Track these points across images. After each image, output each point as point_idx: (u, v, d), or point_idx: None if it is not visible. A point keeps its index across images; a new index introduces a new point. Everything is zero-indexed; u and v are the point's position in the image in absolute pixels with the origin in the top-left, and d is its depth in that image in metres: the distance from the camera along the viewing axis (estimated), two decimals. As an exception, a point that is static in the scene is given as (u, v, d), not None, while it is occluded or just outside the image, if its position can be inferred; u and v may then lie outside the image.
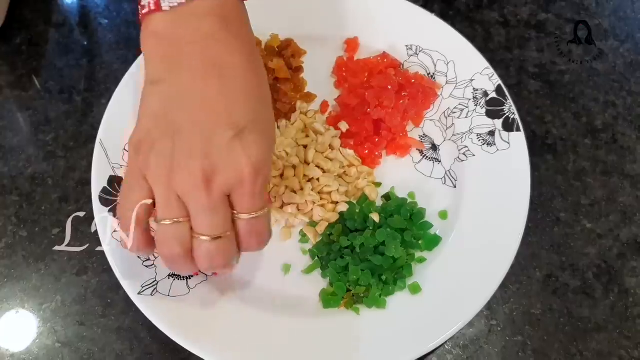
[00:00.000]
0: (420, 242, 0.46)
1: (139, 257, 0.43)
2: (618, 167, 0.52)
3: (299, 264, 0.46)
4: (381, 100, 0.49)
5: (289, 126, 0.50)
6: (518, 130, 0.48)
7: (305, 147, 0.49)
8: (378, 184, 0.49)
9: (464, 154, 0.49)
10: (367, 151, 0.49)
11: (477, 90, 0.50)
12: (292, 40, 0.52)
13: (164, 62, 0.35)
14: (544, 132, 0.53)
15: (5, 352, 0.44)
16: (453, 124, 0.50)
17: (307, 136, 0.49)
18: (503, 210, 0.46)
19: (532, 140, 0.52)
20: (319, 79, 0.52)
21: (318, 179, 0.47)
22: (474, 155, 0.48)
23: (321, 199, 0.47)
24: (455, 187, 0.48)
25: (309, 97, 0.52)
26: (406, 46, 0.52)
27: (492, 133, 0.49)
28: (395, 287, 0.44)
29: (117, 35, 0.56)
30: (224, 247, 0.35)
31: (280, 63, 0.50)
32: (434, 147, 0.50)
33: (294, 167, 0.47)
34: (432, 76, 0.51)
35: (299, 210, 0.47)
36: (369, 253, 0.44)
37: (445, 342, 0.43)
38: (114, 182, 0.45)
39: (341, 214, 0.47)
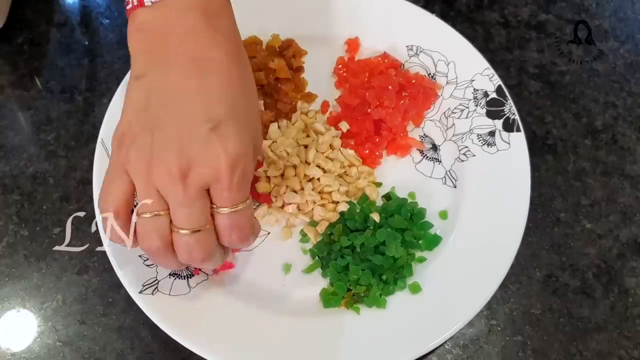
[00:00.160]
0: (420, 241, 0.46)
1: (140, 255, 0.43)
2: (618, 167, 0.52)
3: (299, 263, 0.46)
4: (382, 100, 0.49)
5: (290, 126, 0.50)
6: (518, 130, 0.48)
7: (305, 147, 0.49)
8: (378, 184, 0.49)
9: (464, 154, 0.49)
10: (367, 151, 0.49)
11: (477, 90, 0.50)
12: (293, 41, 0.52)
13: (147, 57, 0.35)
14: (544, 132, 0.53)
15: (6, 350, 0.44)
16: (453, 124, 0.50)
17: (308, 136, 0.50)
18: (503, 210, 0.46)
19: (532, 140, 0.52)
20: (319, 79, 0.53)
21: (319, 179, 0.47)
22: (474, 156, 0.49)
23: (322, 198, 0.47)
24: (455, 187, 0.48)
25: (310, 97, 0.52)
26: (407, 46, 0.52)
27: (492, 133, 0.49)
28: (395, 287, 0.44)
29: (118, 35, 0.56)
30: (204, 240, 0.35)
31: (281, 63, 0.50)
32: (435, 147, 0.50)
33: (295, 166, 0.48)
34: (432, 76, 0.52)
35: (299, 209, 0.47)
36: (370, 253, 0.45)
37: (445, 341, 0.43)
38: (115, 181, 0.45)
39: (342, 213, 0.47)
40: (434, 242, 0.46)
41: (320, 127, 0.49)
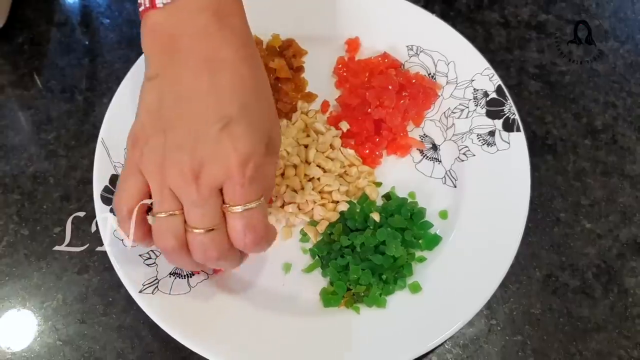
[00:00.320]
0: (420, 241, 0.46)
1: (140, 255, 0.43)
2: (618, 167, 0.52)
3: (299, 263, 0.46)
4: (382, 100, 0.50)
5: (290, 126, 0.50)
6: (518, 130, 0.48)
7: (306, 146, 0.49)
8: (378, 184, 0.49)
9: (464, 154, 0.49)
10: (367, 151, 0.49)
11: (477, 90, 0.50)
12: (293, 40, 0.52)
13: (160, 59, 0.36)
14: (544, 132, 0.53)
15: (6, 350, 0.44)
16: (453, 124, 0.50)
17: (308, 136, 0.50)
18: (503, 210, 0.46)
19: (532, 140, 0.52)
20: (319, 78, 0.53)
21: (319, 179, 0.47)
22: (474, 155, 0.49)
23: (322, 198, 0.47)
24: (455, 187, 0.48)
25: (310, 97, 0.52)
26: (407, 46, 0.52)
27: (492, 133, 0.49)
28: (395, 286, 0.44)
29: (118, 35, 0.56)
30: (218, 239, 0.35)
31: (281, 63, 0.50)
32: (435, 147, 0.50)
33: (295, 166, 0.48)
34: (432, 76, 0.52)
35: (299, 209, 0.47)
36: (370, 252, 0.45)
37: (445, 341, 0.43)
38: (116, 181, 0.45)
39: (342, 213, 0.47)
40: (433, 241, 0.46)
41: (321, 126, 0.50)
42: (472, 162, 0.48)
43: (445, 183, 0.49)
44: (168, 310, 0.42)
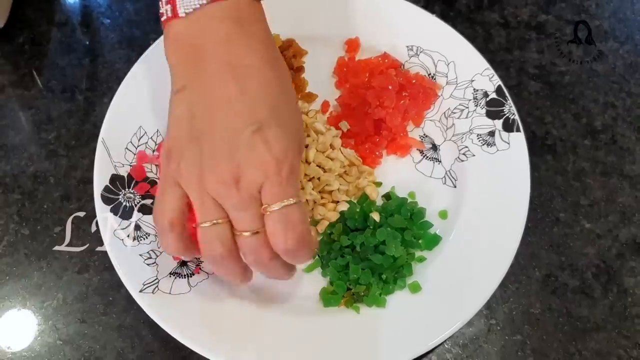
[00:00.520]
0: (420, 241, 0.46)
1: (140, 254, 0.43)
2: (617, 167, 0.52)
3: (299, 262, 0.46)
4: (382, 100, 0.50)
5: (290, 126, 0.50)
6: (518, 130, 0.48)
7: (306, 146, 0.49)
8: (378, 184, 0.49)
9: (464, 154, 0.49)
10: (367, 151, 0.49)
11: (477, 90, 0.50)
12: (293, 41, 0.52)
13: (185, 69, 0.36)
14: (544, 132, 0.53)
15: (6, 349, 0.44)
16: (453, 124, 0.50)
17: (308, 136, 0.50)
18: (503, 210, 0.46)
19: (532, 140, 0.52)
20: (320, 79, 0.53)
21: (319, 178, 0.47)
22: (474, 156, 0.49)
23: (322, 198, 0.47)
24: (455, 187, 0.48)
25: (310, 97, 0.52)
26: (407, 47, 0.52)
27: (492, 133, 0.49)
28: (395, 286, 0.44)
29: (119, 35, 0.56)
30: (267, 240, 0.35)
31: (281, 63, 0.50)
32: (434, 147, 0.50)
33: (295, 166, 0.48)
34: (432, 77, 0.52)
35: (299, 209, 0.47)
36: (369, 252, 0.45)
37: (445, 340, 0.44)
38: (116, 180, 0.45)
39: (342, 213, 0.47)
40: (433, 241, 0.46)
41: (321, 126, 0.50)
42: (472, 162, 0.48)
43: (445, 183, 0.49)
44: (168, 310, 0.42)
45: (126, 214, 0.45)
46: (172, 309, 0.42)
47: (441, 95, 0.51)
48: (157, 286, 0.42)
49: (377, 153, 0.50)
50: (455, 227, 0.46)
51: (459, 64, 0.51)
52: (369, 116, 0.50)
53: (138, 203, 0.45)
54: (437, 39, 0.52)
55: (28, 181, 0.50)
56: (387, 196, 0.48)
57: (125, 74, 0.49)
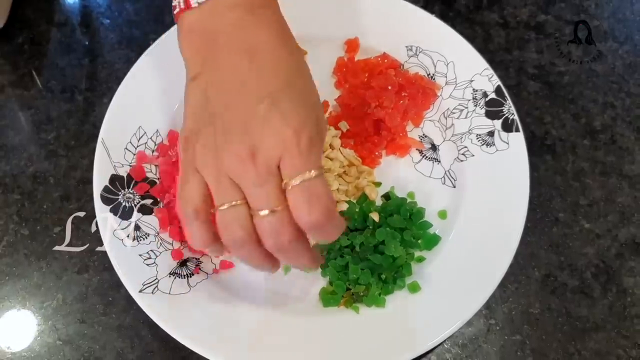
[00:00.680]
0: (419, 241, 0.46)
1: (140, 254, 0.43)
2: (616, 167, 0.52)
3: (299, 262, 0.46)
4: (381, 100, 0.50)
5: (290, 126, 0.50)
6: (517, 130, 0.48)
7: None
8: (378, 184, 0.49)
9: (463, 154, 0.49)
10: (367, 151, 0.50)
11: (476, 90, 0.50)
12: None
13: (199, 58, 0.36)
14: (543, 132, 0.53)
15: (6, 349, 0.44)
16: (452, 124, 0.50)
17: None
18: (502, 210, 0.46)
19: (531, 140, 0.52)
20: (319, 79, 0.51)
21: (318, 179, 0.47)
22: (473, 156, 0.49)
23: (321, 198, 0.47)
24: (454, 187, 0.48)
25: (310, 97, 0.52)
26: (406, 47, 0.52)
27: (491, 133, 0.49)
28: (394, 286, 0.44)
29: (118, 35, 0.56)
30: (286, 219, 0.34)
31: (281, 63, 0.50)
32: (434, 147, 0.50)
33: (295, 166, 0.48)
34: (431, 77, 0.52)
35: (299, 209, 0.47)
36: (369, 252, 0.45)
37: (444, 340, 0.44)
38: (116, 180, 0.45)
39: (341, 213, 0.47)
40: (433, 241, 0.46)
41: (320, 127, 0.50)
42: (471, 162, 0.48)
43: (444, 183, 0.49)
44: (168, 310, 0.42)
45: (126, 214, 0.45)
46: (171, 309, 0.42)
47: (440, 95, 0.51)
48: (156, 286, 0.43)
49: (376, 153, 0.50)
50: (455, 227, 0.46)
51: (458, 64, 0.51)
52: (369, 116, 0.50)
53: (137, 203, 0.45)
54: (437, 39, 0.52)
55: (28, 181, 0.50)
56: (387, 196, 0.48)
57: (125, 74, 0.49)
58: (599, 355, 0.45)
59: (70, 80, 0.54)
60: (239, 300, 0.43)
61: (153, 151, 0.47)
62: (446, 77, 0.51)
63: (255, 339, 0.42)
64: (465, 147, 0.49)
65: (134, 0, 0.58)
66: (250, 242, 0.35)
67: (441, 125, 0.51)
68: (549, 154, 0.53)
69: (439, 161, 0.50)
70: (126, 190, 0.46)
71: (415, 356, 0.41)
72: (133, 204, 0.45)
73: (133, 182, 0.46)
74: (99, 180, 0.45)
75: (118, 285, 0.43)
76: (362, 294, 0.44)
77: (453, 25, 0.52)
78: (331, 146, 0.49)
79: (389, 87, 0.50)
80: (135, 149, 0.47)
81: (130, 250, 0.43)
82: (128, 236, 0.44)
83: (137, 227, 0.44)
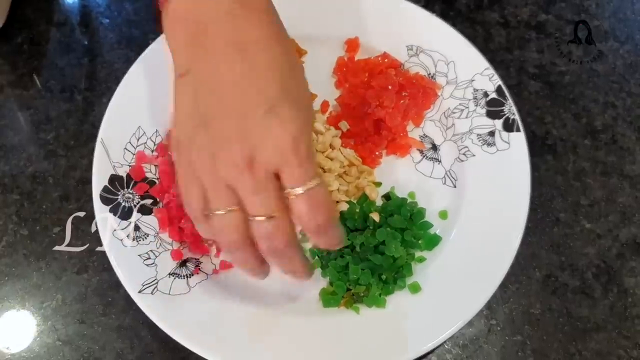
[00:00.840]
0: (420, 241, 0.46)
1: (139, 255, 0.43)
2: (617, 167, 0.52)
3: (299, 263, 0.46)
4: (381, 100, 0.49)
5: (290, 126, 0.50)
6: (518, 130, 0.48)
7: (305, 146, 0.49)
8: (378, 184, 0.49)
9: (464, 154, 0.49)
10: (367, 151, 0.49)
11: (477, 90, 0.50)
12: (292, 40, 0.52)
13: (188, 51, 0.35)
14: (544, 132, 0.53)
15: (6, 350, 0.44)
16: (453, 124, 0.50)
17: (308, 136, 0.50)
18: (503, 210, 0.46)
19: (532, 140, 0.52)
20: (319, 78, 0.52)
21: (318, 179, 0.47)
22: (474, 156, 0.49)
23: (321, 198, 0.47)
24: (455, 187, 0.48)
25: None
26: (407, 46, 0.52)
27: (492, 133, 0.49)
28: (395, 287, 0.44)
29: (118, 35, 0.56)
30: (282, 226, 0.34)
31: (281, 63, 0.50)
32: (434, 147, 0.50)
33: (295, 166, 0.48)
34: (432, 76, 0.52)
35: (299, 209, 0.47)
36: (369, 252, 0.45)
37: (445, 341, 0.43)
38: (115, 181, 0.45)
39: (341, 213, 0.47)
40: (433, 241, 0.46)
41: (320, 126, 0.49)
42: (472, 162, 0.48)
43: (445, 183, 0.49)
44: (167, 311, 0.42)
45: (125, 215, 0.45)
46: (171, 310, 0.42)
47: (441, 95, 0.51)
48: (156, 287, 0.42)
49: (376, 153, 0.50)
50: (455, 228, 0.46)
51: (458, 64, 0.51)
52: (369, 116, 0.50)
53: (137, 203, 0.45)
54: (437, 39, 0.52)
55: (27, 181, 0.50)
56: (387, 196, 0.48)
57: (124, 73, 0.49)
58: (599, 356, 0.45)
59: (69, 80, 0.54)
60: (239, 301, 0.43)
61: (152, 151, 0.47)
62: (447, 76, 0.51)
63: (255, 339, 0.42)
64: (466, 147, 0.49)
65: (133, 0, 0.58)
66: (245, 246, 0.35)
67: (442, 125, 0.51)
68: (550, 153, 0.52)
69: (440, 161, 0.50)
70: (125, 190, 0.45)
71: (415, 357, 0.41)
72: (132, 204, 0.45)
73: (132, 182, 0.46)
74: (98, 180, 0.45)
75: (117, 285, 0.43)
76: (362, 294, 0.44)
77: (454, 24, 0.52)
78: (331, 146, 0.49)
79: (390, 87, 0.50)
80: (135, 149, 0.47)
81: (129, 250, 0.43)
82: (127, 236, 0.44)
83: (136, 228, 0.44)
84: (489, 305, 0.46)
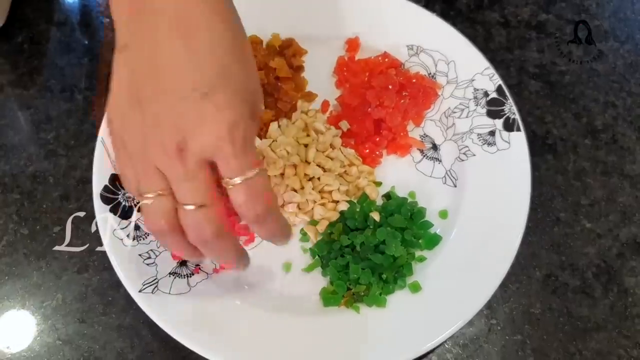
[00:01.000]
0: (420, 241, 0.46)
1: (140, 254, 0.43)
2: (617, 167, 0.52)
3: (299, 262, 0.46)
4: (382, 99, 0.50)
5: (290, 125, 0.50)
6: (518, 130, 0.48)
7: (306, 146, 0.49)
8: (378, 183, 0.49)
9: (464, 153, 0.49)
10: (367, 150, 0.49)
11: (477, 90, 0.50)
12: (293, 40, 0.52)
13: (130, 24, 0.33)
14: (544, 132, 0.53)
15: (6, 349, 0.44)
16: (453, 123, 0.50)
17: (308, 135, 0.50)
18: (503, 209, 0.46)
19: (533, 140, 0.52)
20: (320, 78, 0.53)
21: (319, 178, 0.47)
22: (474, 155, 0.49)
23: (322, 197, 0.47)
24: (455, 186, 0.48)
25: (310, 97, 0.52)
26: (407, 46, 0.52)
27: (492, 133, 0.49)
28: (395, 286, 0.44)
29: (118, 34, 0.56)
30: (211, 216, 0.33)
31: (281, 62, 0.50)
32: (435, 147, 0.50)
33: (295, 166, 0.48)
34: (432, 76, 0.52)
35: (299, 209, 0.47)
36: (370, 252, 0.45)
37: (445, 340, 0.43)
38: (115, 180, 0.45)
39: (342, 212, 0.47)
40: (433, 241, 0.46)
41: (321, 126, 0.49)
42: (473, 162, 0.48)
43: (445, 183, 0.49)
44: (168, 310, 0.42)
45: (125, 214, 0.45)
46: (171, 309, 0.42)
47: (441, 94, 0.51)
48: (156, 286, 0.42)
49: (377, 153, 0.50)
50: (456, 227, 0.46)
51: (459, 64, 0.51)
52: (369, 116, 0.50)
53: (137, 203, 0.45)
54: (438, 39, 0.52)
55: (27, 181, 0.50)
56: (387, 196, 0.48)
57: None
58: (600, 355, 0.45)
59: (69, 80, 0.54)
60: (239, 300, 0.43)
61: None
62: (447, 76, 0.51)
63: (255, 338, 0.42)
64: (466, 146, 0.49)
65: None
66: (173, 234, 0.34)
67: (442, 124, 0.51)
68: (550, 153, 0.52)
69: (440, 161, 0.50)
70: (126, 189, 0.45)
71: (416, 356, 0.41)
72: (133, 204, 0.45)
73: (133, 181, 0.46)
74: (99, 180, 0.45)
75: (118, 285, 0.43)
76: (362, 293, 0.44)
77: (454, 24, 0.52)
78: (332, 146, 0.49)
79: (390, 87, 0.50)
80: (135, 148, 0.47)
81: (130, 250, 0.43)
82: (128, 236, 0.44)
83: (136, 227, 0.44)
84: (489, 305, 0.46)
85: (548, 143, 0.53)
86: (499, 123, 0.49)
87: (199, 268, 0.44)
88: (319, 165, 0.48)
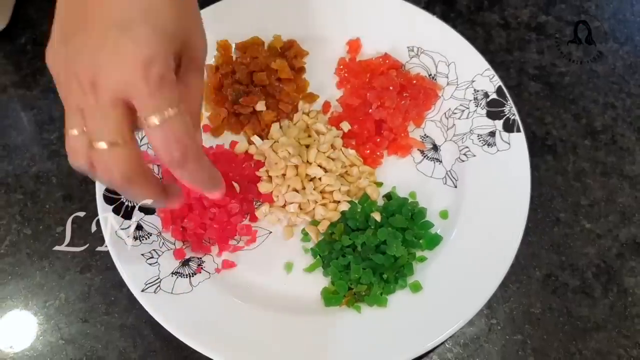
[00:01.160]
0: (421, 241, 0.46)
1: (142, 254, 0.43)
2: (617, 168, 0.52)
3: (301, 262, 0.46)
4: (383, 100, 0.50)
5: (292, 126, 0.50)
6: (518, 131, 0.49)
7: (307, 146, 0.49)
8: (379, 184, 0.49)
9: (464, 154, 0.49)
10: (368, 151, 0.50)
11: (477, 91, 0.50)
12: (294, 41, 0.53)
13: None
14: (544, 133, 0.54)
15: (9, 348, 0.44)
16: (454, 124, 0.50)
17: (309, 136, 0.50)
18: (503, 210, 0.46)
19: (532, 140, 0.52)
20: (321, 79, 0.53)
21: (320, 179, 0.48)
22: (474, 156, 0.49)
23: (323, 198, 0.47)
24: (456, 187, 0.49)
25: (311, 98, 0.52)
26: (408, 47, 0.53)
27: (492, 134, 0.49)
28: (396, 286, 0.44)
29: (120, 36, 0.56)
30: (123, 157, 0.32)
31: (282, 64, 0.50)
32: (435, 148, 0.50)
33: (296, 166, 0.48)
34: (433, 77, 0.52)
35: (301, 209, 0.47)
36: (371, 252, 0.45)
37: (446, 340, 0.44)
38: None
39: (343, 213, 0.47)
40: (434, 241, 0.46)
41: (322, 127, 0.50)
42: (473, 163, 0.49)
43: (445, 183, 0.49)
44: (170, 310, 0.42)
45: (128, 214, 0.45)
46: (174, 309, 0.42)
47: (442, 95, 0.51)
48: (159, 286, 0.43)
49: (378, 153, 0.50)
50: (456, 227, 0.46)
51: (459, 65, 0.51)
52: (370, 116, 0.50)
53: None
54: (438, 40, 0.52)
55: (30, 181, 0.50)
56: (388, 196, 0.48)
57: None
58: (600, 355, 0.45)
59: (72, 81, 0.54)
60: (241, 300, 0.43)
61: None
62: (447, 77, 0.51)
63: (256, 338, 0.42)
64: (467, 147, 0.49)
65: None
66: (92, 170, 0.33)
67: (442, 125, 0.51)
68: (550, 154, 0.53)
69: (441, 161, 0.50)
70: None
71: (416, 355, 0.42)
72: (135, 204, 0.45)
73: (135, 181, 0.46)
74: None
75: (120, 284, 0.43)
76: (363, 293, 0.44)
77: (454, 26, 0.52)
78: (333, 146, 0.49)
79: (391, 88, 0.50)
80: (138, 148, 0.47)
81: (132, 249, 0.44)
82: (129, 236, 0.44)
83: (139, 227, 0.45)
84: (489, 305, 0.46)
85: (548, 144, 0.53)
86: (499, 124, 0.49)
87: (201, 268, 0.45)
88: (320, 166, 0.48)
